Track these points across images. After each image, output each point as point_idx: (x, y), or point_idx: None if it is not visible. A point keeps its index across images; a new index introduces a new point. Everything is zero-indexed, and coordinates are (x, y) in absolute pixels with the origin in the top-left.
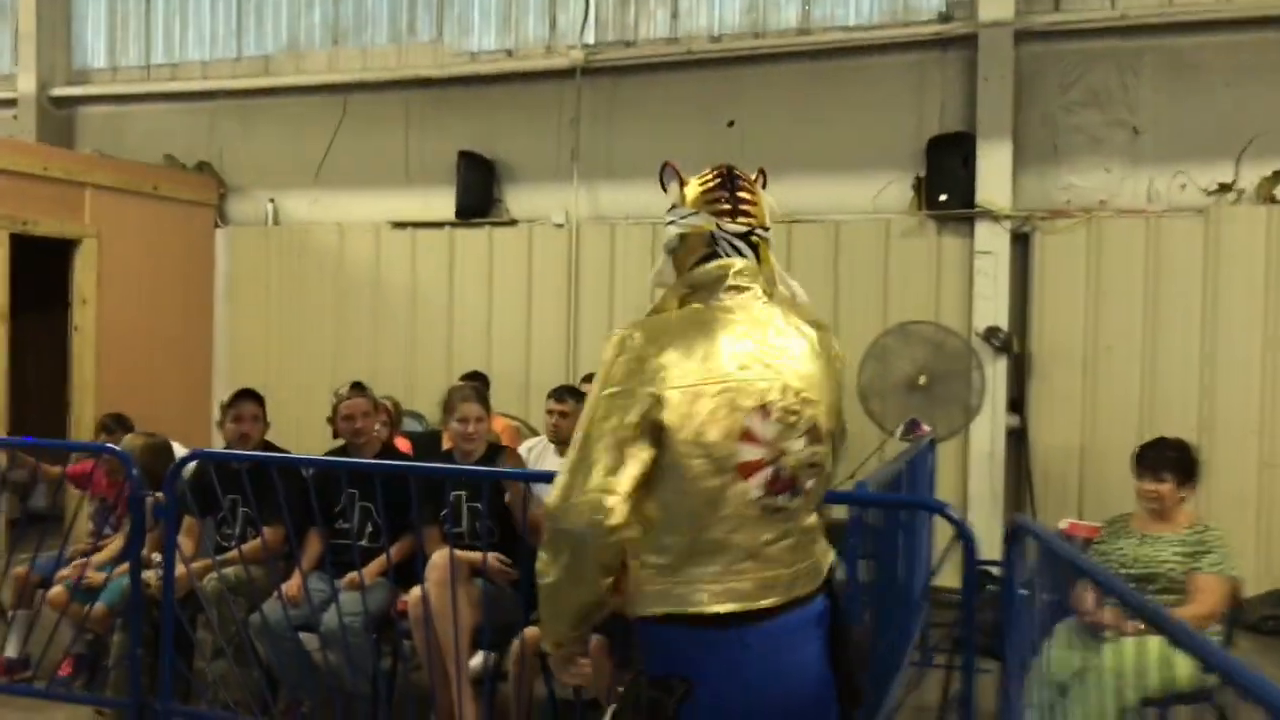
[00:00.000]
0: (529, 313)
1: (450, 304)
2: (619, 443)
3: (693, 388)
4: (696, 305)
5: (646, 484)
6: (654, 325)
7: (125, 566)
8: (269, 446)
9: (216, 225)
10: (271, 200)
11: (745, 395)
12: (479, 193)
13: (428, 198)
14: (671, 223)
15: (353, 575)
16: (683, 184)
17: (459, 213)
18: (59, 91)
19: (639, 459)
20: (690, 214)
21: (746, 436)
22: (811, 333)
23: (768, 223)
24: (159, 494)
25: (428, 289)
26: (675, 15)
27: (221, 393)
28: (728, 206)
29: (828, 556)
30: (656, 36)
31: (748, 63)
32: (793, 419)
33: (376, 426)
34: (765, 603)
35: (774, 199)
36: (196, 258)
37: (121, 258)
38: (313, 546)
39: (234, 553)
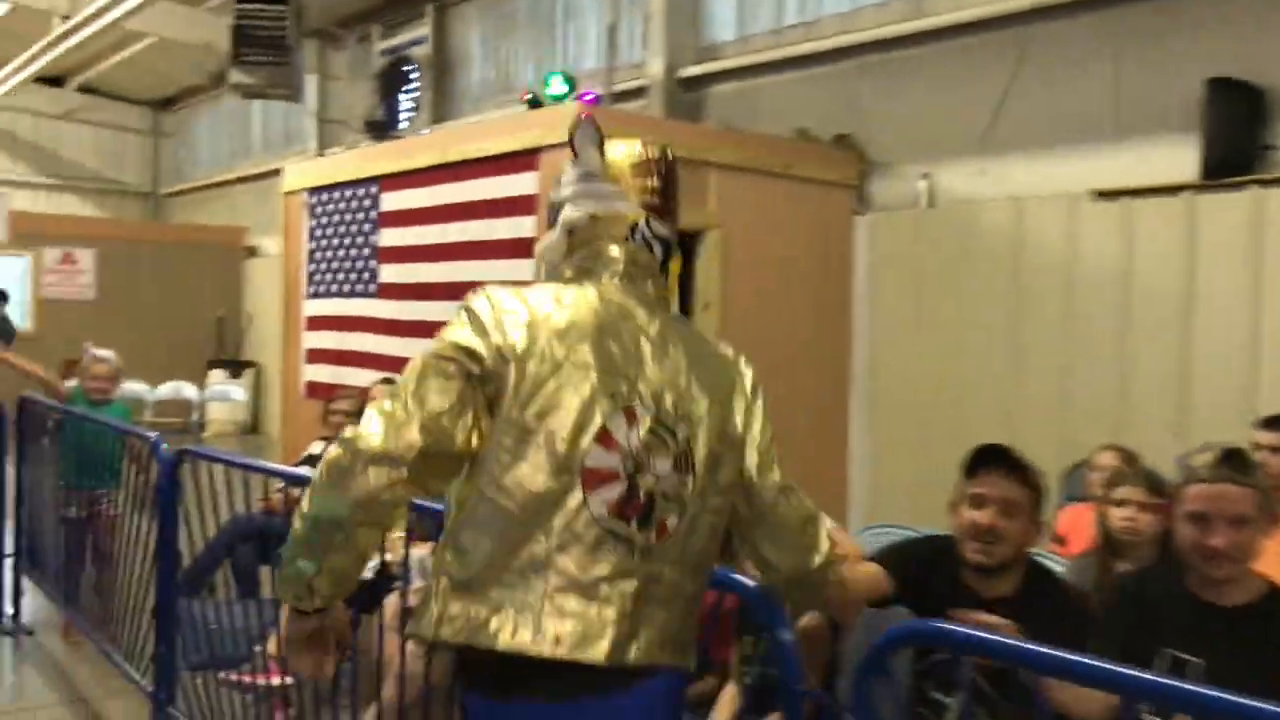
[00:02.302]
0: None
1: (1188, 303)
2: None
3: (552, 358)
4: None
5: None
6: (522, 288)
7: None
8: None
9: (856, 211)
10: (925, 176)
11: (612, 390)
12: (1238, 138)
13: (1152, 152)
14: (588, 195)
15: None
16: (603, 150)
17: (1207, 170)
18: (687, 72)
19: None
20: (614, 193)
21: (603, 437)
22: (725, 358)
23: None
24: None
25: (1152, 281)
26: None
27: (860, 415)
28: (659, 202)
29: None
30: None
31: None
32: (664, 434)
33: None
34: (593, 653)
35: None
36: (833, 249)
37: (749, 251)
38: None
39: None
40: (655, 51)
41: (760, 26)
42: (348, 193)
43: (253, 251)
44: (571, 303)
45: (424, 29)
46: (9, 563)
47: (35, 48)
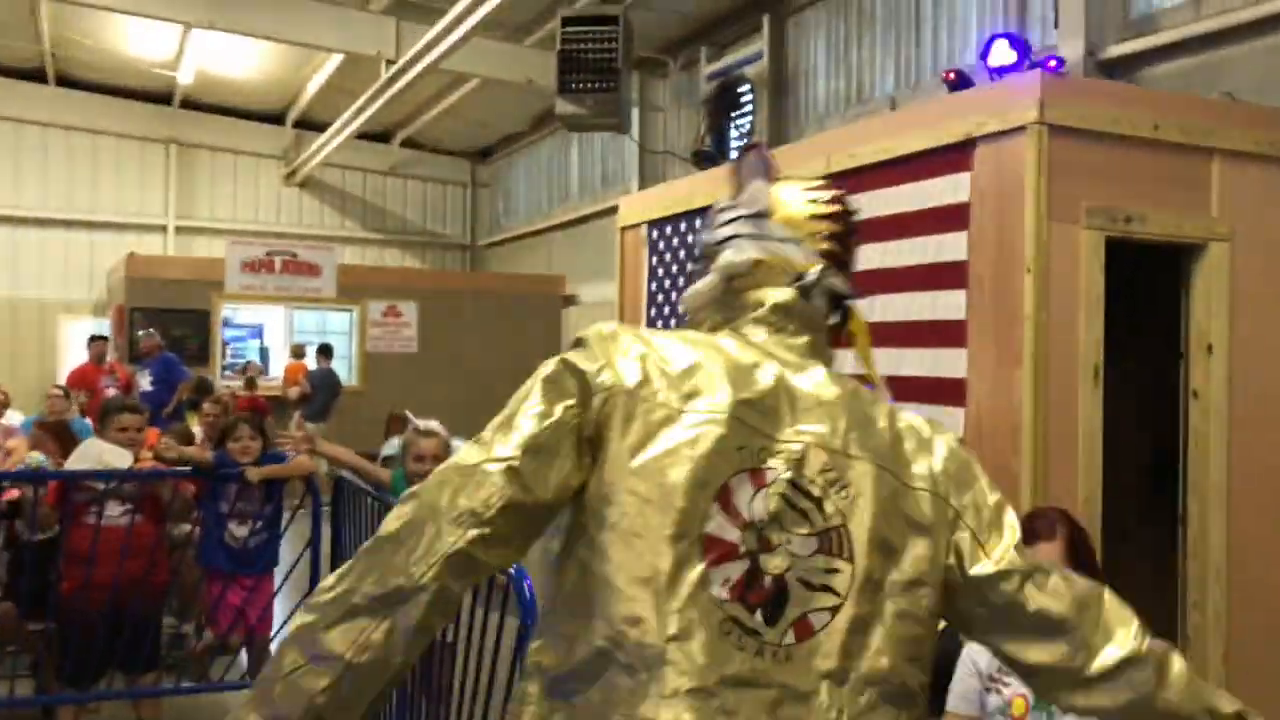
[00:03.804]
0: None
1: None
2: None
3: (669, 402)
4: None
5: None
6: (645, 328)
7: None
8: None
9: None
10: None
11: (739, 444)
12: None
13: None
14: (754, 238)
15: None
16: (772, 181)
17: None
18: (1113, 52)
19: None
20: (789, 239)
21: (724, 499)
22: (906, 425)
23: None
24: None
25: None
26: None
27: None
28: (839, 250)
29: None
30: None
31: None
32: (805, 505)
33: None
34: None
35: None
36: None
37: (1263, 273)
38: None
39: None
40: (1071, 31)
41: None
42: (698, 223)
43: (570, 300)
44: (701, 344)
45: (758, 45)
46: None
47: (366, 94)
